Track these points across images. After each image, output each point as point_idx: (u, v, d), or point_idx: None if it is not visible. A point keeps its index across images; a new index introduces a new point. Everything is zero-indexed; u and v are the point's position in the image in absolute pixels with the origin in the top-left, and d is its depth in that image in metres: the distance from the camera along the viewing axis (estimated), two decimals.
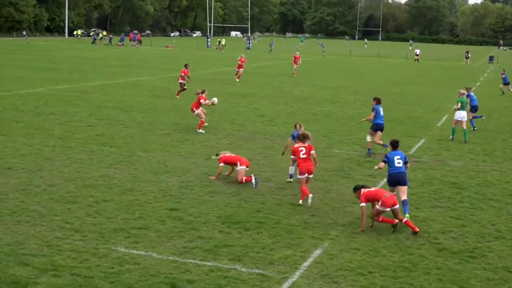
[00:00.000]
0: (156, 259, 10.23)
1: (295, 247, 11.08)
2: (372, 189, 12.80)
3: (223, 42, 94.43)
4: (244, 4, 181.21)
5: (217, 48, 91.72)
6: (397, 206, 12.34)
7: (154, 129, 22.70)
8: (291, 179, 15.72)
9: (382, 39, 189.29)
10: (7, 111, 25.43)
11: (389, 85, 43.74)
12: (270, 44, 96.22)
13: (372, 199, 12.38)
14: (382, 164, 13.55)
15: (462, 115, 22.74)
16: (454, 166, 18.61)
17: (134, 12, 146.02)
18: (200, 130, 22.35)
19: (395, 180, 13.17)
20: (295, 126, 16.15)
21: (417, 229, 12.10)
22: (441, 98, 36.56)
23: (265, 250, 10.89)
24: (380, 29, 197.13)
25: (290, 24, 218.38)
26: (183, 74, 32.51)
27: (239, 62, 42.82)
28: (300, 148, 14.17)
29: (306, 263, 10.36)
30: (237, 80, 42.04)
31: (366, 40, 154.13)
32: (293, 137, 15.66)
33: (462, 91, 23.82)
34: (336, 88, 39.97)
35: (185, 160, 17.74)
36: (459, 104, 22.84)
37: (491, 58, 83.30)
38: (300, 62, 51.80)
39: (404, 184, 13.17)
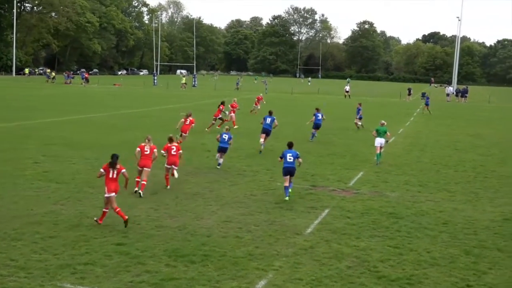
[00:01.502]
0: None
1: (240, 279, 10.98)
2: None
3: (183, 81, 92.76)
4: (189, 44, 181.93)
5: (181, 87, 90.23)
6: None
7: (101, 165, 22.26)
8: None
9: (322, 77, 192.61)
10: None
11: (330, 121, 44.30)
12: (236, 83, 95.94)
13: None
14: (279, 159, 18.28)
15: (380, 141, 25.45)
16: (391, 197, 18.90)
17: (82, 51, 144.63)
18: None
19: (287, 172, 17.63)
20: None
21: (126, 217, 13.96)
22: None
23: (211, 282, 10.74)
24: (320, 67, 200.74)
25: (234, 63, 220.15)
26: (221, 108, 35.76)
27: (231, 108, 38.55)
28: (172, 147, 18.79)
29: None
30: (235, 126, 36.53)
31: (309, 78, 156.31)
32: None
33: (383, 121, 26.75)
34: (280, 124, 40.17)
35: (131, 195, 17.46)
36: (374, 132, 25.92)
37: (423, 94, 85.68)
38: (264, 102, 50.92)
39: (292, 175, 17.77)
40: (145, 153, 17.98)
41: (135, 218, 14.88)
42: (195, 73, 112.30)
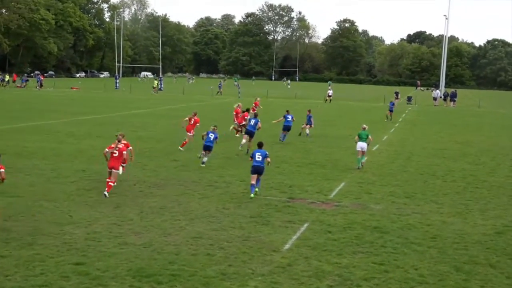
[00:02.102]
0: None
1: None
2: None
3: (154, 84, 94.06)
4: (155, 44, 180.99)
5: (152, 91, 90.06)
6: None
7: (58, 176, 22.11)
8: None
9: (300, 80, 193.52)
10: None
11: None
12: (218, 86, 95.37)
13: None
14: (250, 159, 20.43)
15: (362, 145, 26.68)
16: (375, 209, 19.02)
17: (36, 51, 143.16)
18: (181, 148, 29.57)
19: (255, 170, 19.72)
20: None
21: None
22: None
23: None
24: (297, 69, 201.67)
25: (204, 64, 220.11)
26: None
27: (234, 113, 37.74)
28: (115, 148, 19.39)
29: None
30: (238, 135, 35.89)
31: (289, 80, 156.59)
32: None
33: (364, 125, 28.00)
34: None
35: (91, 209, 17.31)
36: (357, 137, 27.07)
37: (409, 99, 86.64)
38: (261, 107, 47.70)
39: (260, 174, 19.92)
40: (114, 155, 19.41)
41: (95, 235, 14.74)
42: (161, 76, 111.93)
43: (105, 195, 18.87)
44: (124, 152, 20.13)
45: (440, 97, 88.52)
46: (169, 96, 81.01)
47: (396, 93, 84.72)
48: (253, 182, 19.75)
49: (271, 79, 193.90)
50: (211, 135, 25.47)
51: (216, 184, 21.91)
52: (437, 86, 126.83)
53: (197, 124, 30.51)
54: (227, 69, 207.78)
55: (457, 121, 58.15)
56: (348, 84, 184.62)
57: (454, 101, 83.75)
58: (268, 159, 20.09)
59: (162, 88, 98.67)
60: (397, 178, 25.06)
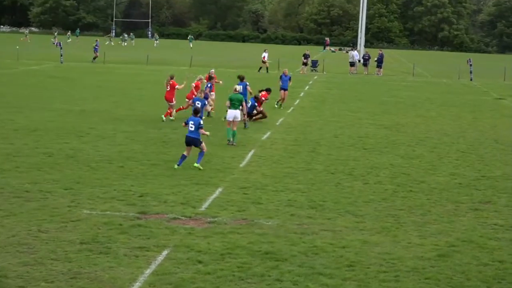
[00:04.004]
0: None
1: None
2: None
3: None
4: None
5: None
6: None
7: None
8: None
9: (152, 35, 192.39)
10: None
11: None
12: (94, 49, 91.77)
13: None
14: (183, 125, 26.50)
15: (232, 114, 30.96)
16: (267, 226, 19.21)
17: None
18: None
19: (188, 141, 25.75)
20: None
21: None
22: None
23: None
24: (150, 20, 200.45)
25: (6, 12, 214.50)
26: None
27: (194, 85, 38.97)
28: None
29: None
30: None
31: (157, 36, 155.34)
32: None
33: (237, 87, 32.92)
34: (85, 114, 39.80)
35: None
36: (228, 102, 31.56)
37: (314, 64, 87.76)
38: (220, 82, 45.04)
39: (196, 145, 25.72)
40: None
41: None
42: None
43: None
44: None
45: (359, 61, 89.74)
46: None
47: (306, 56, 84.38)
48: (185, 153, 25.87)
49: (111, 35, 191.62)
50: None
51: (27, 195, 21.47)
52: (354, 46, 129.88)
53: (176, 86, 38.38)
54: (43, 20, 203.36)
55: (383, 96, 59.65)
56: (226, 42, 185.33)
57: (380, 67, 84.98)
58: (201, 130, 25.84)
59: None
60: (298, 180, 25.42)
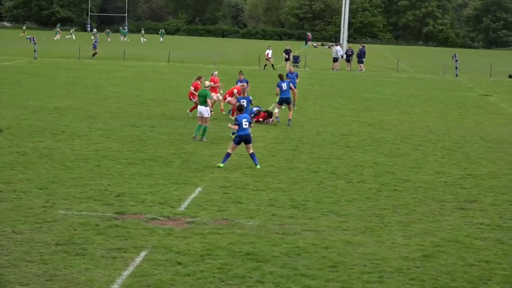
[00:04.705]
0: None
1: None
2: None
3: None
4: None
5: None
6: None
7: None
8: None
9: (131, 31, 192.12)
10: None
11: (144, 104, 44.37)
12: (93, 44, 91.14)
13: None
14: (235, 127, 26.69)
15: (200, 110, 31.93)
16: (248, 227, 19.24)
17: None
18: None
19: (243, 139, 26.47)
20: None
21: None
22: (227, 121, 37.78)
23: None
24: (126, 15, 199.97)
25: None
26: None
27: (212, 83, 38.36)
28: None
29: None
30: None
31: (143, 31, 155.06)
32: None
33: (207, 83, 33.93)
34: (59, 111, 39.68)
35: None
36: (197, 98, 33.81)
37: (296, 59, 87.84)
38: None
39: (249, 142, 26.69)
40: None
41: None
42: None
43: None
44: None
45: (342, 56, 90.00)
46: None
47: (287, 51, 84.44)
48: (230, 151, 26.81)
49: (86, 30, 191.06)
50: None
51: (0, 196, 21.41)
52: (337, 41, 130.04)
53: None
54: (16, 14, 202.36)
55: (366, 92, 59.66)
56: (206, 37, 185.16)
57: (362, 62, 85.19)
58: (252, 125, 27.71)
59: None
60: (280, 179, 25.48)
